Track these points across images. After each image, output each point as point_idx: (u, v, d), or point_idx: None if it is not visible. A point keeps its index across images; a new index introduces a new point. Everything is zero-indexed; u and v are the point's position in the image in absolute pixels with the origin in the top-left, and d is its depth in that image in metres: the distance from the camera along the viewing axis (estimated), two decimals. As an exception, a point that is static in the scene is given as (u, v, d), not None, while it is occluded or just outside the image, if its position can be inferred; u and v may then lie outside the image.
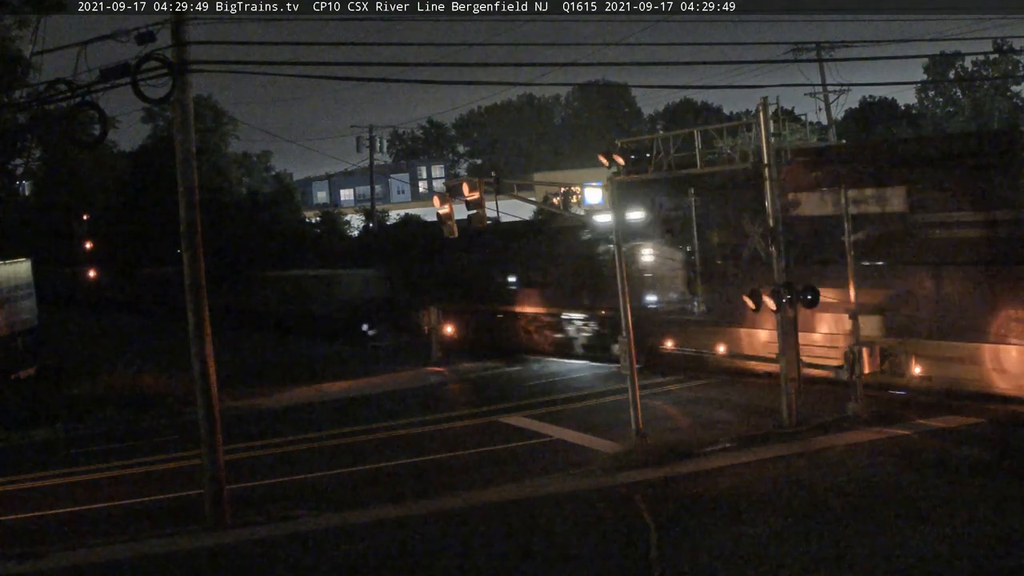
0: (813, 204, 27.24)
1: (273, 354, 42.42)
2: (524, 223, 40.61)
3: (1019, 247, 23.09)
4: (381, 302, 43.42)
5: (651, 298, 33.95)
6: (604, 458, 21.29)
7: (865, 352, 23.11)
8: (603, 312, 33.95)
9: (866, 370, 23.17)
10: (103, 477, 24.14)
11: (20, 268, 40.10)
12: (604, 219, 32.76)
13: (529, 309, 38.08)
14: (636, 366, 22.23)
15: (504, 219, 29.19)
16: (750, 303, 22.79)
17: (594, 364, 34.25)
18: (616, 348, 23.55)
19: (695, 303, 31.83)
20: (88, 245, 76.62)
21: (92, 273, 76.75)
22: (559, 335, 36.89)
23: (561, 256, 36.87)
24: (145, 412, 31.11)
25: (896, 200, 25.05)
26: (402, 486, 21.00)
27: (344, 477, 22.31)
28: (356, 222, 72.42)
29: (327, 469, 23.03)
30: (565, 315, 36.34)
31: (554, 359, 36.36)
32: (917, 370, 24.92)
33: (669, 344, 31.98)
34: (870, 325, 25.07)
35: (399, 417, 28.38)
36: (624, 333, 22.25)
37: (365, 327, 42.02)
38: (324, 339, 44.40)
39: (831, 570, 14.20)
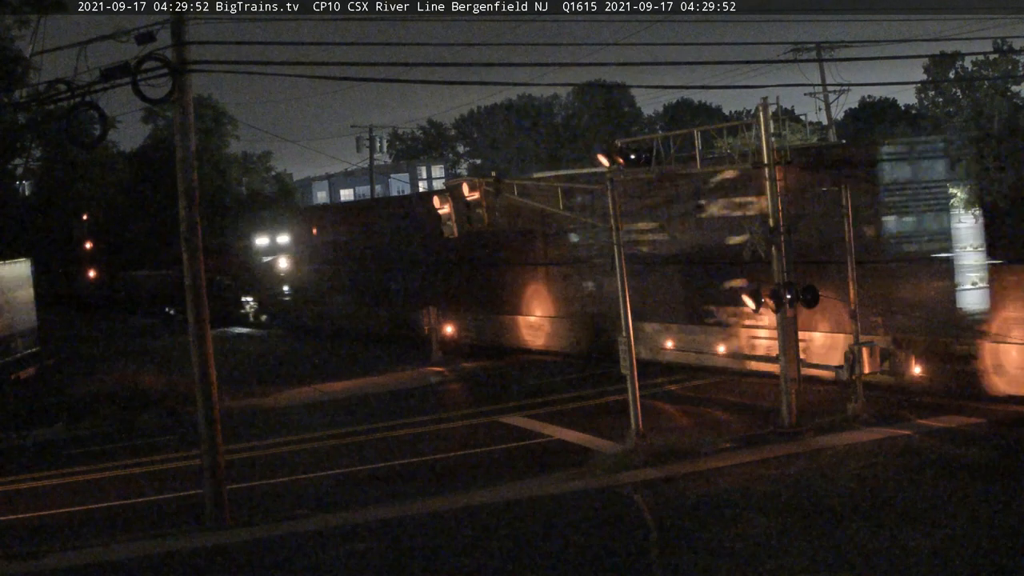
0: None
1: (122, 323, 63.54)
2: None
3: None
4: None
5: (285, 288, 56.82)
6: (604, 458, 21.29)
7: (865, 352, 23.10)
8: (257, 295, 59.26)
9: (866, 370, 23.16)
10: (103, 477, 24.13)
11: (20, 268, 40.07)
12: (261, 241, 60.06)
13: (240, 295, 60.23)
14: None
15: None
16: (750, 302, 22.79)
17: (253, 330, 56.55)
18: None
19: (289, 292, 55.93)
20: (88, 245, 76.62)
21: (92, 273, 76.81)
22: (243, 311, 59.04)
23: (247, 262, 60.52)
24: (145, 412, 31.11)
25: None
26: (402, 486, 21.01)
27: (344, 477, 22.31)
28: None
29: (327, 469, 23.03)
30: (244, 299, 59.71)
31: (240, 327, 56.77)
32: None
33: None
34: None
35: (399, 417, 28.39)
36: (624, 333, 22.24)
37: (167, 308, 61.03)
38: (146, 315, 63.58)
39: (831, 570, 14.21)
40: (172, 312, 59.29)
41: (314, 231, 52.63)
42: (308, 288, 53.58)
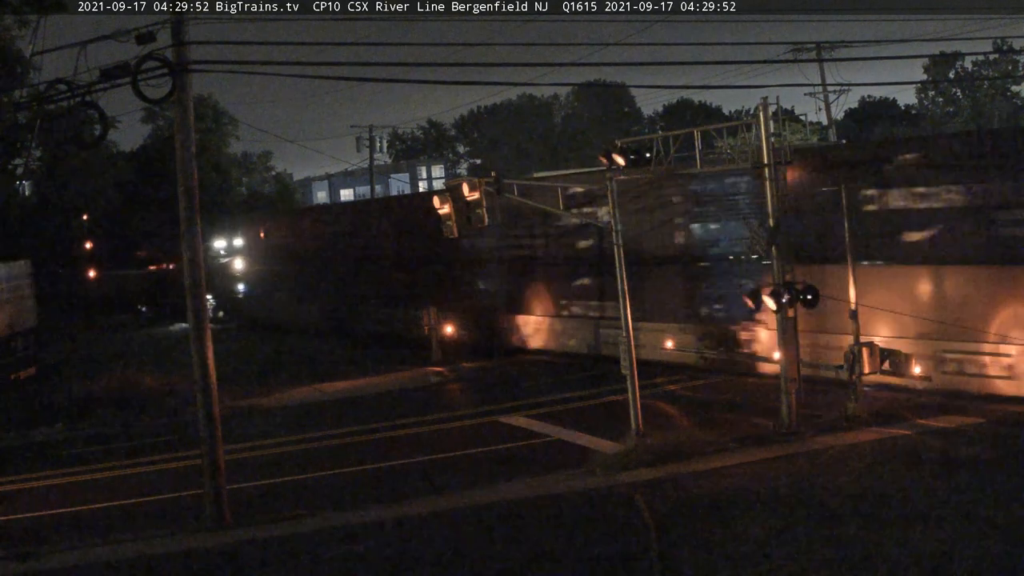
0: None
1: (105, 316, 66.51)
2: None
3: None
4: (156, 290, 67.89)
5: (240, 287, 61.32)
6: (604, 458, 21.28)
7: (865, 352, 23.11)
8: (216, 294, 60.26)
9: (866, 370, 23.17)
10: (103, 477, 24.15)
11: (20, 268, 40.08)
12: (219, 243, 63.68)
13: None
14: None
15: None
16: (750, 303, 22.79)
17: (213, 325, 54.43)
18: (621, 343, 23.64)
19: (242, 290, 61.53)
20: (88, 245, 76.67)
21: (92, 273, 76.91)
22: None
23: (206, 263, 59.56)
24: (145, 412, 31.10)
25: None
26: (402, 486, 21.01)
27: (344, 477, 22.32)
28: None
29: (327, 469, 23.03)
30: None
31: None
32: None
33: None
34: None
35: (399, 417, 28.39)
36: (624, 333, 22.24)
37: (140, 306, 67.98)
38: (125, 311, 67.59)
39: (831, 570, 14.21)
40: (144, 309, 66.95)
41: (261, 235, 58.47)
42: (258, 287, 59.89)
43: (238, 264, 61.91)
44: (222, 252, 64.62)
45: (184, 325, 58.17)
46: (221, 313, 62.94)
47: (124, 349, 46.58)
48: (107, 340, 52.79)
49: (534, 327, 37.96)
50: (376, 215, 49.76)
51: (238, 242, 62.21)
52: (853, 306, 23.51)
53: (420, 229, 40.35)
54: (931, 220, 25.10)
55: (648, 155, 24.10)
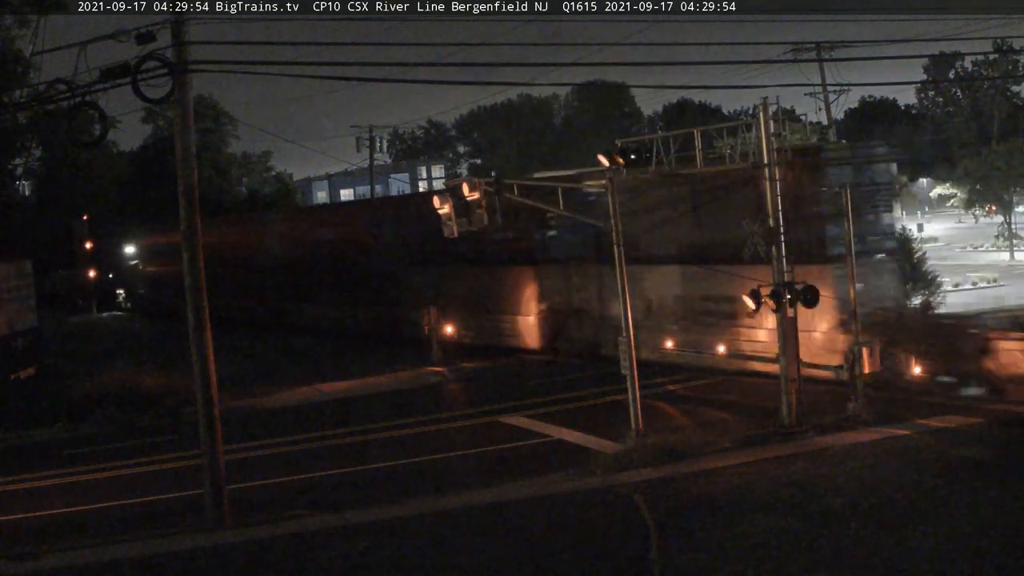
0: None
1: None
2: None
3: None
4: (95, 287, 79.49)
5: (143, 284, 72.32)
6: (604, 458, 21.28)
7: (865, 352, 23.11)
8: (125, 289, 78.08)
9: (866, 370, 23.17)
10: (103, 477, 24.13)
11: (20, 268, 40.06)
12: (130, 248, 74.92)
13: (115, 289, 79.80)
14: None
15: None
16: (750, 303, 22.79)
17: (123, 313, 75.01)
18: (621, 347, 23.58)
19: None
20: (88, 245, 76.73)
21: (92, 273, 77.00)
22: (117, 300, 77.83)
23: (120, 264, 78.45)
24: (145, 412, 31.04)
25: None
26: (402, 486, 21.01)
27: (344, 477, 22.31)
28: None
29: (327, 469, 23.03)
30: (117, 291, 77.48)
31: (118, 311, 76.22)
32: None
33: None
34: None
35: (399, 417, 28.37)
36: (624, 333, 22.24)
37: (79, 300, 76.83)
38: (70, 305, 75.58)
39: (831, 570, 14.21)
40: (81, 302, 77.40)
41: (144, 243, 70.79)
42: (151, 285, 71.87)
43: (141, 266, 74.11)
44: (131, 255, 76.90)
45: (109, 313, 75.10)
46: (129, 304, 77.13)
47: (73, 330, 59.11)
48: (61, 324, 63.22)
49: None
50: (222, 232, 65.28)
51: (134, 249, 75.54)
52: (853, 305, 23.53)
53: (261, 241, 57.93)
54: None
55: (648, 155, 24.08)
